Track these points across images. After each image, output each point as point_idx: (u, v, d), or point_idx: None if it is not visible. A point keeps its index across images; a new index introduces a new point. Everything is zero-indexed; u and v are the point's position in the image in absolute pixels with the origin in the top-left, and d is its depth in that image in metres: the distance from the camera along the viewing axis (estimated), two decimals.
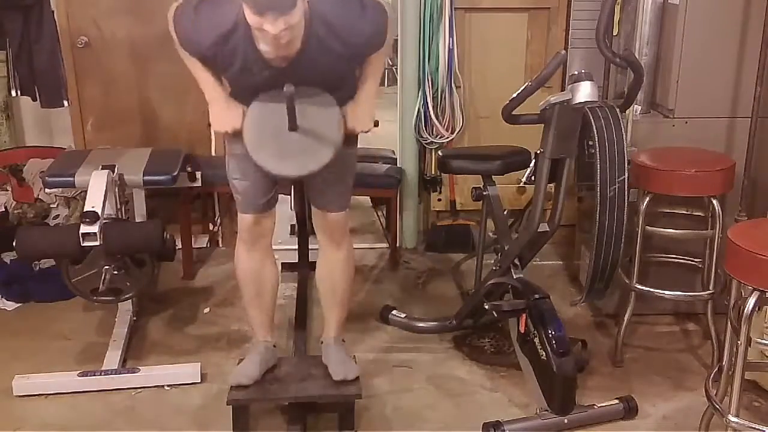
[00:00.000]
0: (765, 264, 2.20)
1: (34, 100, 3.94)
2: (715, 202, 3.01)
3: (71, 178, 3.45)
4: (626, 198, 2.89)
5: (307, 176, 2.56)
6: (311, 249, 3.31)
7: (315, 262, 2.91)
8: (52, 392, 2.97)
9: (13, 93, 3.95)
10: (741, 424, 2.38)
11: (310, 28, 2.36)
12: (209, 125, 2.62)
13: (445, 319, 3.41)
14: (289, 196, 3.47)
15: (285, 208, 3.65)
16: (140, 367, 3.08)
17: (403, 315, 3.48)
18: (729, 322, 2.42)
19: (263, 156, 2.47)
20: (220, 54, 2.42)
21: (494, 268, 3.11)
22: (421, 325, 3.44)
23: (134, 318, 3.43)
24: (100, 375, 3.01)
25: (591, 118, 2.93)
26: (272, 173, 2.52)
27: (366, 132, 2.62)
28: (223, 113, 2.55)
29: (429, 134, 4.13)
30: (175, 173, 3.58)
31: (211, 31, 2.40)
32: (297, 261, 3.75)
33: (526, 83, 2.69)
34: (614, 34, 3.46)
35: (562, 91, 2.75)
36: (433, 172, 4.24)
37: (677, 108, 3.29)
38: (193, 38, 2.46)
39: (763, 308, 2.60)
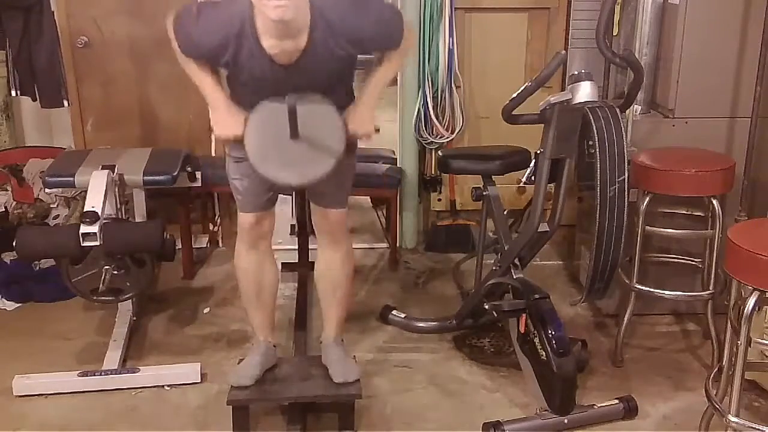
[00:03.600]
0: (765, 264, 2.21)
1: (34, 100, 3.94)
2: (715, 202, 3.01)
3: (71, 178, 3.46)
4: (626, 198, 2.89)
5: (308, 185, 2.57)
6: (311, 249, 3.31)
7: (315, 262, 2.91)
8: (52, 392, 2.97)
9: (13, 93, 3.94)
10: (741, 424, 2.38)
11: (314, 26, 2.36)
12: (211, 129, 2.61)
13: (445, 319, 3.41)
14: (288, 196, 3.47)
15: (285, 208, 3.66)
16: (140, 367, 3.08)
17: (403, 315, 3.49)
18: (729, 322, 2.42)
19: (264, 164, 2.47)
20: (225, 55, 2.41)
21: (494, 268, 3.11)
22: (421, 325, 3.44)
23: (134, 318, 3.43)
24: (100, 375, 3.01)
25: (591, 118, 2.93)
26: (273, 181, 2.52)
27: (367, 138, 2.61)
28: (225, 119, 2.54)
29: (429, 134, 4.13)
30: (175, 173, 3.58)
31: (216, 33, 2.39)
32: (297, 261, 3.75)
33: (526, 83, 2.69)
34: (614, 34, 3.46)
35: (562, 91, 2.74)
36: (433, 172, 4.24)
37: (677, 108, 3.29)
38: (197, 41, 2.45)
39: (763, 308, 2.60)
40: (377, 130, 2.62)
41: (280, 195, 2.84)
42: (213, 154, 4.16)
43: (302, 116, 2.41)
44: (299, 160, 2.46)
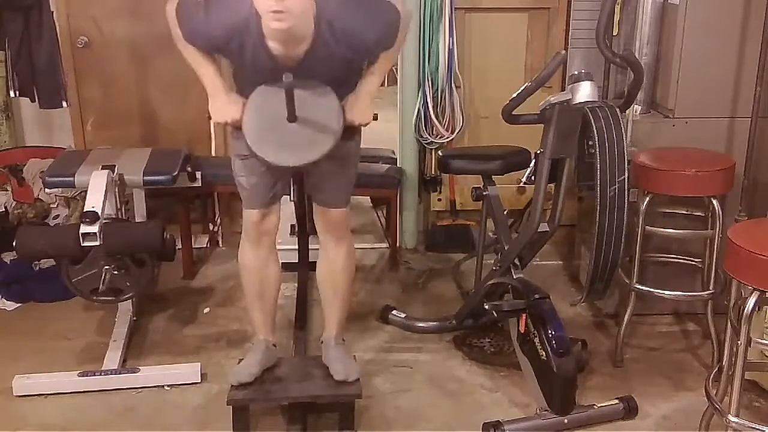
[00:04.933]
0: (765, 264, 2.21)
1: (33, 101, 3.94)
2: (715, 202, 3.01)
3: (71, 178, 3.46)
4: (626, 198, 2.89)
5: (307, 166, 2.55)
6: (311, 249, 3.31)
7: (315, 262, 2.91)
8: (52, 392, 2.97)
9: (12, 94, 3.94)
10: (741, 424, 2.38)
11: (318, 29, 2.36)
12: (209, 117, 2.61)
13: (445, 319, 3.41)
14: (288, 196, 3.46)
15: (285, 208, 3.64)
16: (140, 367, 3.08)
17: (403, 315, 3.48)
18: (729, 322, 2.42)
19: (262, 146, 2.47)
20: (230, 44, 2.41)
21: (494, 268, 3.11)
22: (421, 325, 3.44)
23: (134, 318, 3.43)
24: (100, 375, 3.01)
25: (591, 118, 2.93)
26: (271, 163, 2.51)
27: (365, 125, 2.62)
28: (224, 105, 2.55)
29: (429, 134, 4.13)
30: (175, 173, 3.58)
31: (222, 24, 2.40)
32: (297, 261, 3.74)
33: (526, 83, 2.69)
34: (614, 34, 3.46)
35: (562, 91, 2.74)
36: (433, 172, 4.24)
37: (677, 108, 3.30)
38: (202, 31, 2.45)
39: (763, 308, 2.60)
40: (375, 118, 2.63)
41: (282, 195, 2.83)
42: (213, 154, 4.16)
43: (299, 98, 2.40)
44: (297, 141, 2.46)
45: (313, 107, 2.46)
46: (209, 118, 2.62)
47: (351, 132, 2.60)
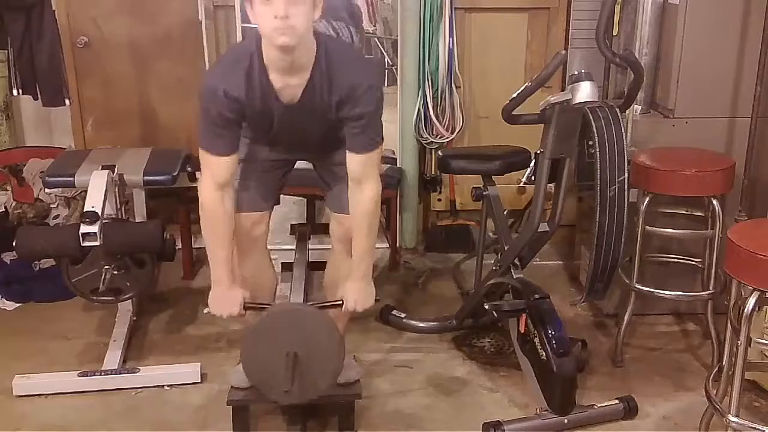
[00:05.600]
0: (765, 264, 2.21)
1: (35, 99, 3.93)
2: (715, 202, 3.01)
3: (71, 178, 3.45)
4: (626, 198, 2.89)
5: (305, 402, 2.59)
6: (311, 249, 3.31)
7: (314, 262, 2.90)
8: (52, 392, 2.97)
9: (15, 92, 3.94)
10: (741, 424, 2.38)
11: (316, 65, 2.33)
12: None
13: (445, 319, 3.41)
14: (288, 196, 3.47)
15: (285, 208, 3.65)
16: (140, 367, 3.08)
17: (403, 315, 3.48)
18: (729, 322, 2.42)
19: (267, 388, 2.49)
20: (243, 96, 2.34)
21: (494, 268, 3.11)
22: (421, 325, 3.44)
23: (134, 318, 3.43)
24: (100, 375, 3.01)
25: (591, 118, 2.93)
26: (278, 402, 2.56)
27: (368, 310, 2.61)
28: (224, 297, 2.53)
29: (429, 134, 4.12)
30: (175, 173, 3.58)
31: (231, 72, 2.35)
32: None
33: (526, 83, 2.69)
34: (614, 34, 3.46)
35: (562, 91, 2.74)
36: (433, 172, 4.24)
37: (677, 108, 3.30)
38: (219, 89, 2.33)
39: (763, 308, 2.60)
40: (377, 301, 2.62)
41: (281, 196, 2.82)
42: None
43: (299, 334, 2.42)
44: (299, 377, 2.43)
45: (314, 346, 2.44)
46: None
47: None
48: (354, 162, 2.44)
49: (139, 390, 3.00)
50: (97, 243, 2.94)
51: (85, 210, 3.01)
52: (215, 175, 2.42)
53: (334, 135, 2.50)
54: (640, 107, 3.36)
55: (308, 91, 2.36)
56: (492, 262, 3.18)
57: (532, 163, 2.80)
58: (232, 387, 2.69)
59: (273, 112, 2.41)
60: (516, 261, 3.02)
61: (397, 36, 4.04)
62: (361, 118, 2.37)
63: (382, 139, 2.47)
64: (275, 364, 2.40)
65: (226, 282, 2.52)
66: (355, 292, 2.54)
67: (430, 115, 4.08)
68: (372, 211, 2.50)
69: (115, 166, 3.40)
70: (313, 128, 2.48)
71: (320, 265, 2.98)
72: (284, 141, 2.57)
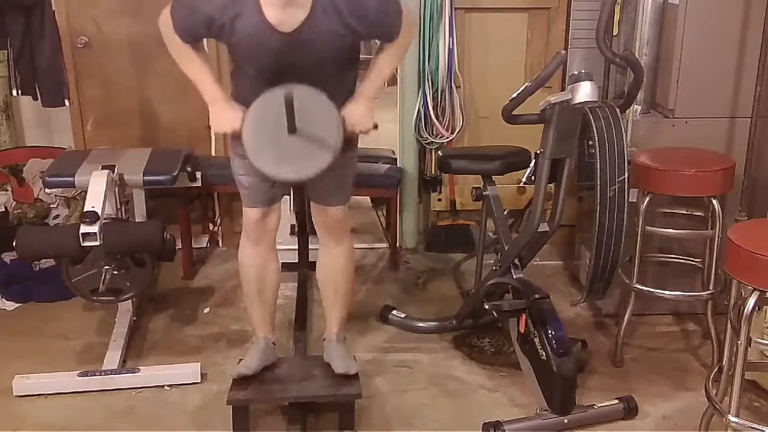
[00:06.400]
0: (765, 264, 2.21)
1: (35, 99, 3.94)
2: (715, 202, 3.01)
3: (71, 178, 3.46)
4: (626, 198, 2.89)
5: (304, 180, 2.56)
6: (311, 249, 3.31)
7: (315, 262, 2.91)
8: (52, 392, 2.97)
9: (15, 92, 3.94)
10: (741, 424, 2.38)
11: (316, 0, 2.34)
12: (209, 127, 2.61)
13: (445, 319, 3.41)
14: (288, 196, 3.47)
15: (285, 208, 3.64)
16: (140, 367, 3.08)
17: (403, 315, 3.49)
18: (729, 322, 2.42)
19: (261, 160, 2.47)
20: (224, 17, 2.36)
21: (494, 268, 3.11)
22: (421, 325, 3.44)
23: (134, 318, 3.43)
24: (100, 375, 3.01)
25: (591, 118, 2.93)
26: (271, 177, 2.52)
27: (365, 133, 2.61)
28: (223, 114, 2.53)
29: (429, 134, 4.13)
30: (175, 173, 3.58)
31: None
32: (297, 261, 3.75)
33: (526, 83, 2.69)
34: (614, 34, 3.46)
35: (562, 91, 2.74)
36: (433, 172, 4.24)
37: (677, 108, 3.29)
38: (195, 6, 2.39)
39: (763, 308, 2.60)
40: (375, 127, 2.61)
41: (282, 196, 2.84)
42: (213, 154, 4.16)
43: (299, 110, 2.40)
44: (296, 155, 2.46)
45: (314, 119, 2.45)
46: (209, 127, 2.61)
47: (350, 142, 2.59)
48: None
49: (139, 390, 3.00)
50: (97, 243, 2.94)
51: (85, 210, 3.01)
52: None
53: (335, 71, 2.51)
54: (640, 107, 3.36)
55: (309, 24, 2.36)
56: (492, 262, 3.18)
57: (532, 163, 2.80)
58: (232, 386, 2.69)
59: (267, 44, 2.39)
60: (516, 261, 3.02)
61: None
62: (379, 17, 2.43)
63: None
64: (274, 138, 2.43)
65: (221, 97, 2.53)
66: (356, 113, 2.53)
67: (430, 115, 4.08)
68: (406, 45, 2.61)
69: (115, 166, 3.40)
70: (310, 63, 2.46)
71: None
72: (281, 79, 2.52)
